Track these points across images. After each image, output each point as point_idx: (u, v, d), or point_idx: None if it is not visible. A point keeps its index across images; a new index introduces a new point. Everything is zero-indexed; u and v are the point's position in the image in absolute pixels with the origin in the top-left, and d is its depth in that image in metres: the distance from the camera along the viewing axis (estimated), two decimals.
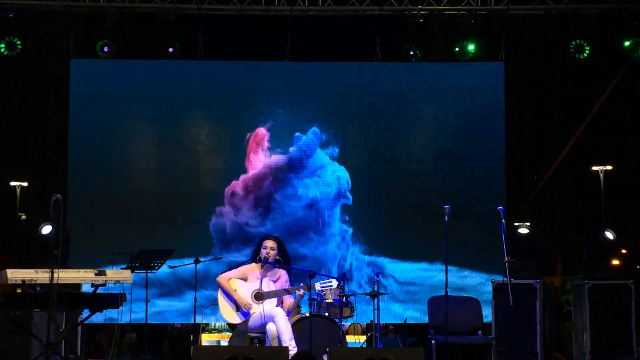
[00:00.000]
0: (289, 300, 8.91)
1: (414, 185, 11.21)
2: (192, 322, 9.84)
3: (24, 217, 12.68)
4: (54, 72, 11.53)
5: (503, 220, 8.12)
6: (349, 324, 11.18)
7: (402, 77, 11.30)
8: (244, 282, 8.92)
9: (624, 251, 13.69)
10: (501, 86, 11.23)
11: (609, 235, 10.23)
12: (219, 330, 11.55)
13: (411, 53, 11.18)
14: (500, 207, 8.20)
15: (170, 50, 11.05)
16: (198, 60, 11.25)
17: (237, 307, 8.82)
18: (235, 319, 8.84)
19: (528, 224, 11.19)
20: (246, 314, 8.75)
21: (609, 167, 13.06)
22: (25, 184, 12.39)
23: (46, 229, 9.78)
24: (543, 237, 12.44)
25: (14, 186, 12.02)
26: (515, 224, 11.52)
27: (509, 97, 11.28)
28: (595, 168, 13.17)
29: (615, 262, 12.37)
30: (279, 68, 11.29)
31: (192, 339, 10.06)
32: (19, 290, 8.44)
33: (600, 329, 9.74)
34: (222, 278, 8.94)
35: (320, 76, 11.28)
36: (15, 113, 11.78)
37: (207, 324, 11.38)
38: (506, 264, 8.01)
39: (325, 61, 11.34)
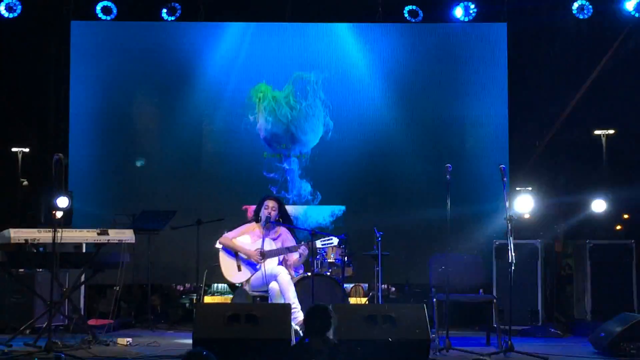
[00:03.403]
0: (293, 257, 8.91)
1: (414, 148, 11.21)
2: (195, 283, 9.91)
3: (25, 182, 12.69)
4: (54, 35, 11.49)
5: (505, 179, 8.11)
6: (351, 286, 11.23)
7: (403, 39, 11.28)
8: (245, 242, 8.92)
9: (625, 216, 13.66)
10: (504, 47, 11.20)
11: (601, 205, 10.21)
12: (221, 293, 11.60)
13: (413, 14, 11.12)
14: (502, 165, 8.19)
15: (171, 11, 10.99)
16: (199, 22, 11.23)
17: (239, 267, 8.82)
18: (238, 277, 8.84)
19: (529, 188, 11.19)
20: (254, 269, 8.75)
21: (611, 132, 13.02)
22: (26, 149, 12.39)
23: (62, 201, 9.61)
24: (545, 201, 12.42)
25: (16, 152, 12.02)
26: (517, 188, 11.52)
27: (511, 58, 11.25)
28: (597, 132, 13.14)
29: (618, 227, 12.37)
30: (279, 29, 11.27)
31: (194, 300, 10.11)
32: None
33: (601, 289, 9.78)
34: (225, 238, 8.93)
35: (320, 37, 11.26)
36: (15, 77, 11.75)
37: (209, 287, 11.42)
38: (507, 222, 8.01)
39: (326, 22, 11.31)
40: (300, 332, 8.17)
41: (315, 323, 5.94)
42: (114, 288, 8.81)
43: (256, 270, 8.74)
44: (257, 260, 8.70)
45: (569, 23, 11.45)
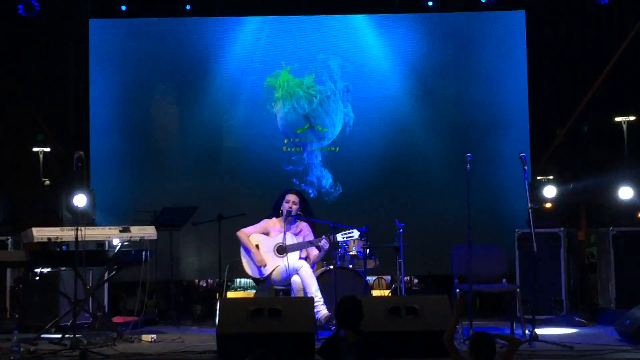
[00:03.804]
0: (313, 252, 8.93)
1: (434, 138, 11.17)
2: (218, 279, 9.95)
3: (47, 182, 12.77)
4: (72, 33, 11.53)
5: (526, 167, 8.08)
6: (374, 278, 11.21)
7: (421, 28, 11.22)
8: (266, 236, 8.94)
9: None
10: (523, 35, 11.11)
11: (628, 192, 10.15)
12: (244, 288, 11.61)
13: (430, 4, 11.08)
14: (522, 154, 8.15)
15: (188, 7, 11.02)
16: (216, 17, 11.25)
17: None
18: (257, 273, 8.88)
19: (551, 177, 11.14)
20: (261, 272, 8.78)
21: (632, 118, 12.94)
22: (47, 149, 12.49)
23: (79, 200, 9.61)
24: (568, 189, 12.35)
25: (37, 152, 12.10)
26: (538, 177, 11.46)
27: (530, 45, 11.16)
28: (618, 119, 13.06)
29: None
30: (296, 22, 11.27)
31: (217, 296, 10.13)
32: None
33: (625, 277, 9.70)
34: (242, 232, 8.95)
35: (338, 29, 11.24)
36: (34, 77, 11.81)
37: (232, 282, 11.45)
38: (529, 210, 7.97)
39: (342, 14, 11.29)
40: (330, 325, 8.19)
41: (347, 315, 5.90)
42: (140, 285, 8.85)
43: (262, 275, 8.76)
44: (261, 265, 8.72)
45: (588, 7, 11.37)
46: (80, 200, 8.93)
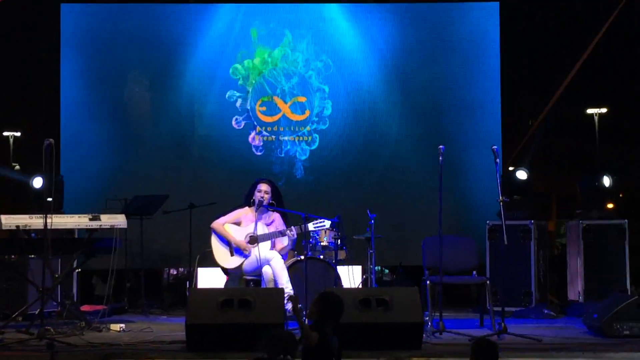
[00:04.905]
0: (281, 243, 8.90)
1: (407, 129, 11.16)
2: (188, 268, 9.91)
3: (17, 167, 12.65)
4: (44, 17, 11.39)
5: (498, 160, 8.08)
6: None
7: (393, 19, 11.19)
8: (237, 226, 8.91)
9: (620, 195, 13.66)
10: (496, 27, 11.11)
11: (606, 180, 10.22)
12: None
13: None
14: (494, 146, 8.16)
15: None
16: (190, 4, 11.16)
17: (232, 252, 8.82)
18: (230, 263, 8.84)
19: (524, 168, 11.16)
20: (246, 256, 8.75)
21: (604, 110, 13.01)
22: (18, 133, 12.35)
23: (37, 182, 9.70)
24: (537, 181, 12.43)
25: (7, 136, 11.98)
26: (510, 168, 11.50)
27: (503, 38, 11.17)
28: (590, 111, 13.11)
29: (610, 205, 12.37)
30: (269, 9, 11.20)
31: (188, 285, 10.10)
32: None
33: (594, 269, 9.77)
34: (217, 224, 8.93)
35: (314, 18, 11.20)
36: (5, 61, 11.66)
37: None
38: (500, 203, 7.98)
39: (317, 3, 11.24)
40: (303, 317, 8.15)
41: (331, 311, 5.80)
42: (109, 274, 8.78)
43: (248, 255, 8.73)
44: (246, 249, 8.69)
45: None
46: (38, 182, 8.80)
